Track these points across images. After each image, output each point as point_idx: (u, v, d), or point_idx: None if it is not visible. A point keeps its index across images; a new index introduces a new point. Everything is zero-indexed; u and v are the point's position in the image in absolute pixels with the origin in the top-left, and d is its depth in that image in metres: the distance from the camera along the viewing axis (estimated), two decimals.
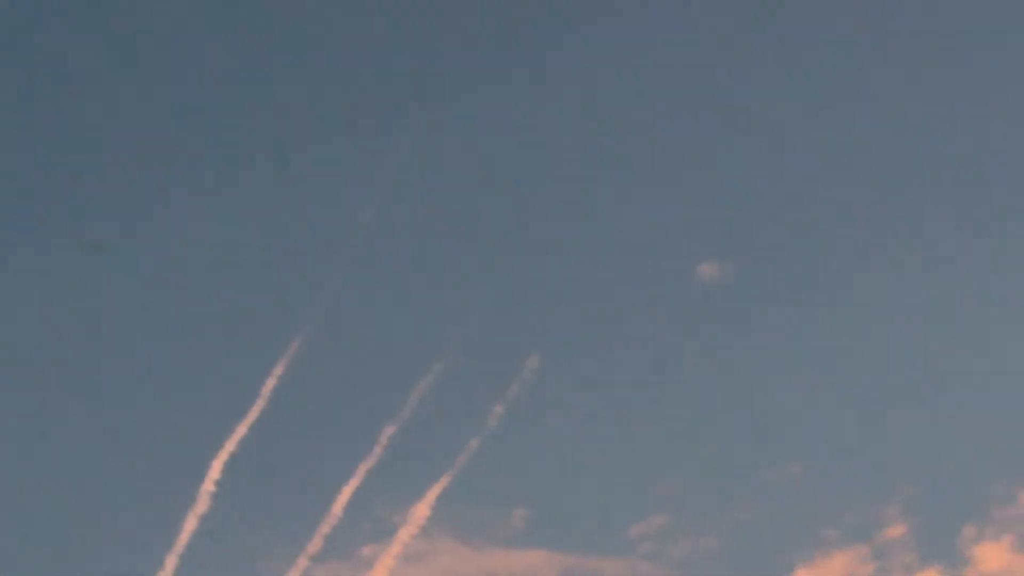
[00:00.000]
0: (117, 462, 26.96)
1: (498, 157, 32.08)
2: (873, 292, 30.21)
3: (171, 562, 23.67)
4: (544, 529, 26.33)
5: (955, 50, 33.03)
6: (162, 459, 26.30)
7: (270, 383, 25.16)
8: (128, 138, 33.83)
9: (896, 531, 26.00)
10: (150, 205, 31.83)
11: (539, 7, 34.20)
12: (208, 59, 34.27)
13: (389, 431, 25.25)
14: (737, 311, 30.04)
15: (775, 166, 32.01)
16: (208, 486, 24.30)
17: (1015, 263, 30.40)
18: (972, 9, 33.06)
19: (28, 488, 27.08)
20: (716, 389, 28.79)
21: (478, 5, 34.21)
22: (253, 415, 24.66)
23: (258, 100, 33.15)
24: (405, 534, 24.94)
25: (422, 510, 24.99)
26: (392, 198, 28.99)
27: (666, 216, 31.09)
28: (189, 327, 29.02)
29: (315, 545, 24.46)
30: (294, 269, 29.91)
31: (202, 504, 24.24)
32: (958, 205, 31.12)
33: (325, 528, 24.44)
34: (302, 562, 24.30)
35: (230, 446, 24.58)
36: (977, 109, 32.17)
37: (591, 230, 31.00)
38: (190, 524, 24.10)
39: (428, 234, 30.41)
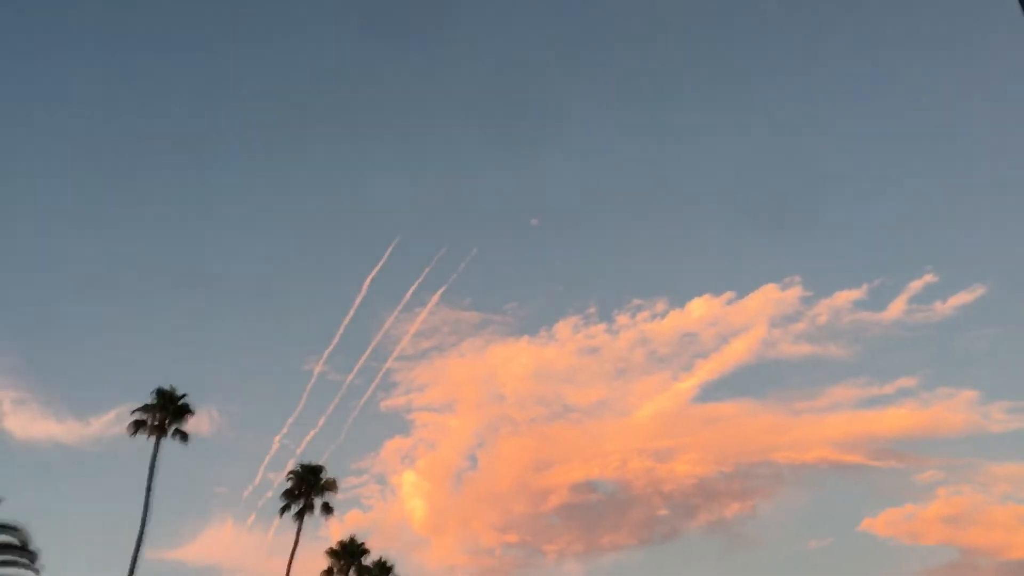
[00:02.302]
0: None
1: None
2: None
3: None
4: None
5: None
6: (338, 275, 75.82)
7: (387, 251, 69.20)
8: None
9: (592, 309, 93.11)
10: None
11: None
12: None
13: (439, 255, 77.89)
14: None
15: None
16: (362, 292, 78.14)
17: None
18: None
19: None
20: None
21: None
22: (381, 263, 73.00)
23: None
24: (430, 303, 74.47)
25: (436, 297, 74.76)
26: None
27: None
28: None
29: (398, 308, 76.59)
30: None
31: (361, 295, 77.25)
32: None
33: (402, 304, 73.84)
34: (395, 313, 77.15)
35: (374, 273, 73.37)
36: None
37: None
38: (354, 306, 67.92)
39: None
